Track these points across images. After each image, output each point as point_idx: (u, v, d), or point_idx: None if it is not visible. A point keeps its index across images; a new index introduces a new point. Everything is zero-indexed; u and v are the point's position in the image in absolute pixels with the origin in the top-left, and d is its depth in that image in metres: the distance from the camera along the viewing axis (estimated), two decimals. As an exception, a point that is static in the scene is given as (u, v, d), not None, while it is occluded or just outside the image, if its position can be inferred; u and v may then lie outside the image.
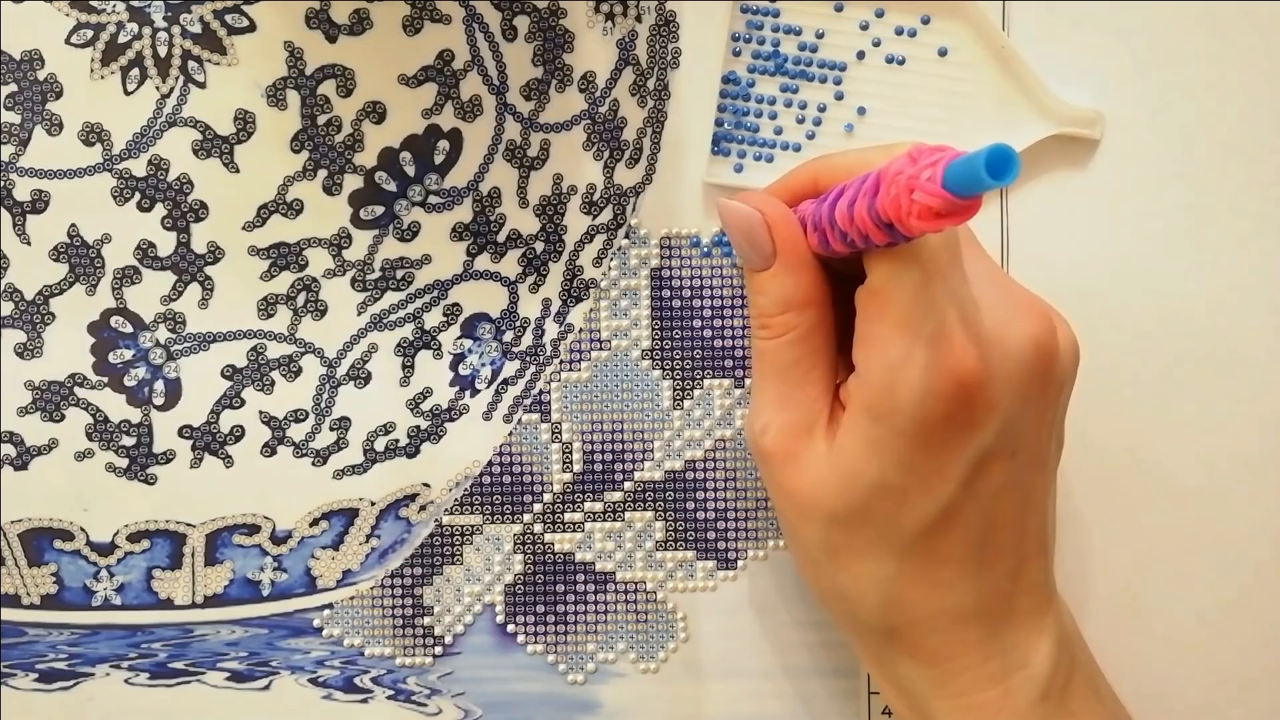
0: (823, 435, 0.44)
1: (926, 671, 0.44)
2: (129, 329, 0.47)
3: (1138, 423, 0.50)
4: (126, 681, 0.50)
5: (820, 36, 0.50)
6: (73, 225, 0.46)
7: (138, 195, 0.46)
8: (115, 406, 0.48)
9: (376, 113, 0.46)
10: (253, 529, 0.49)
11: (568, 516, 0.51)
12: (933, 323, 0.40)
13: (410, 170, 0.47)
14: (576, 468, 0.51)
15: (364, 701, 0.50)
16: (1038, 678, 0.44)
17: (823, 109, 0.50)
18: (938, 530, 0.43)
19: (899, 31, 0.49)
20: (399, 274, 0.48)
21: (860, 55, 0.50)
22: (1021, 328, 0.42)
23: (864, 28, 0.49)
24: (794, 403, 0.44)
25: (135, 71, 0.45)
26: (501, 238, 0.49)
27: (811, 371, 0.44)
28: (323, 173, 0.46)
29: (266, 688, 0.51)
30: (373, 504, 0.50)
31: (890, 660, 0.45)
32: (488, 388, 0.50)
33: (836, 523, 0.43)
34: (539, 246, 0.49)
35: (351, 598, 0.51)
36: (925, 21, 0.49)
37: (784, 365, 0.44)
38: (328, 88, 0.46)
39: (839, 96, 0.50)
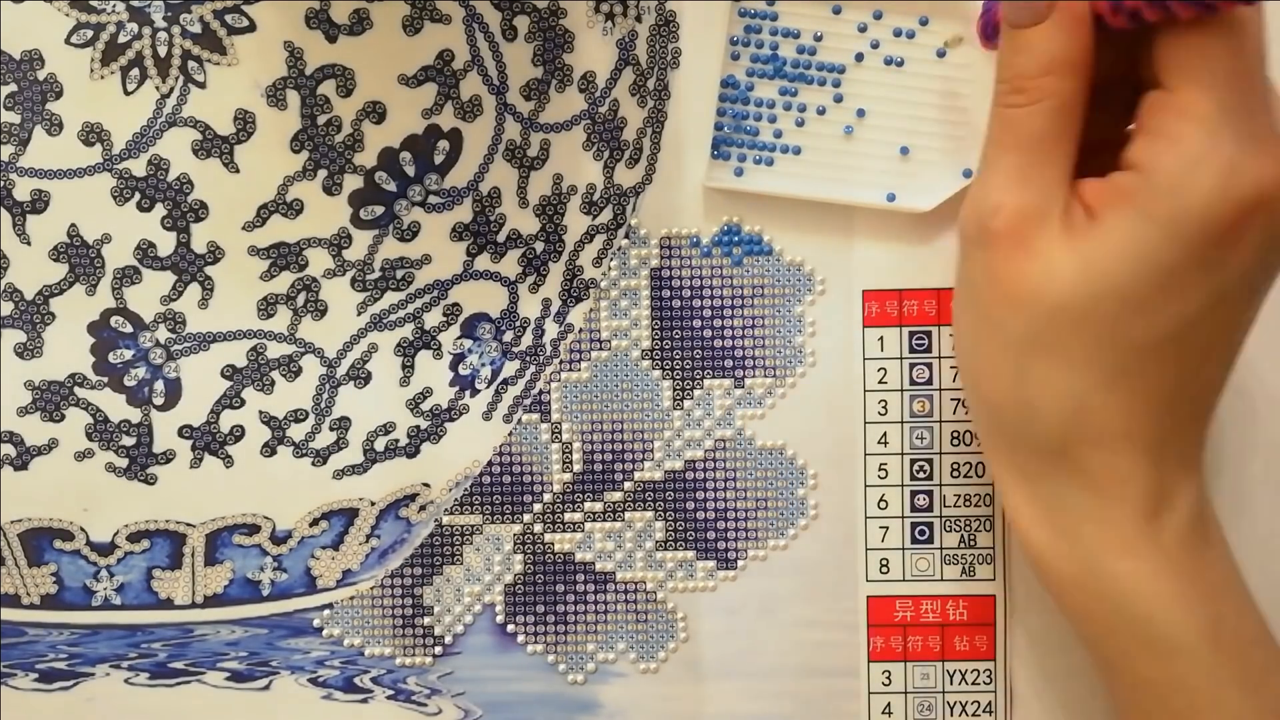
0: (1059, 225, 0.41)
1: (1086, 495, 0.42)
2: (129, 329, 0.47)
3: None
4: (126, 681, 0.50)
5: (819, 39, 0.50)
6: (73, 225, 0.46)
7: (138, 195, 0.46)
8: (115, 406, 0.48)
9: (376, 113, 0.46)
10: (253, 529, 0.49)
11: (568, 516, 0.51)
12: (1242, 120, 0.38)
13: (410, 170, 0.47)
14: (576, 468, 0.51)
15: (364, 701, 0.50)
16: (1183, 522, 0.43)
17: (822, 111, 0.50)
18: (1157, 352, 0.41)
19: (897, 33, 0.49)
20: (399, 274, 0.48)
21: (859, 57, 0.50)
22: None
23: (862, 30, 0.50)
24: (1036, 182, 0.41)
25: (135, 71, 0.45)
26: (501, 238, 0.49)
27: (1059, 148, 0.41)
28: (323, 173, 0.47)
29: (266, 688, 0.51)
30: (373, 504, 0.50)
31: (1048, 479, 0.43)
32: (488, 388, 0.50)
33: (1058, 319, 0.41)
34: (539, 246, 0.49)
35: (351, 598, 0.51)
36: (924, 23, 0.49)
37: (1034, 136, 0.41)
38: (328, 88, 0.46)
39: (838, 99, 0.50)
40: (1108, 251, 0.40)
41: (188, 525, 0.49)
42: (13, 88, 0.45)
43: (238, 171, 0.46)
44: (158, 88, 0.46)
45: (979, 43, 0.47)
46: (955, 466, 0.51)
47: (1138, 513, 0.42)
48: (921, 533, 0.51)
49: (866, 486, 0.51)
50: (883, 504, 0.51)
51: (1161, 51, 0.40)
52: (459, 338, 0.49)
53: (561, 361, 0.50)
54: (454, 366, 0.49)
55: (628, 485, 0.51)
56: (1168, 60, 0.40)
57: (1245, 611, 0.44)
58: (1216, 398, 0.44)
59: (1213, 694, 0.43)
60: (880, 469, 0.51)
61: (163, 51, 0.45)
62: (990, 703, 0.51)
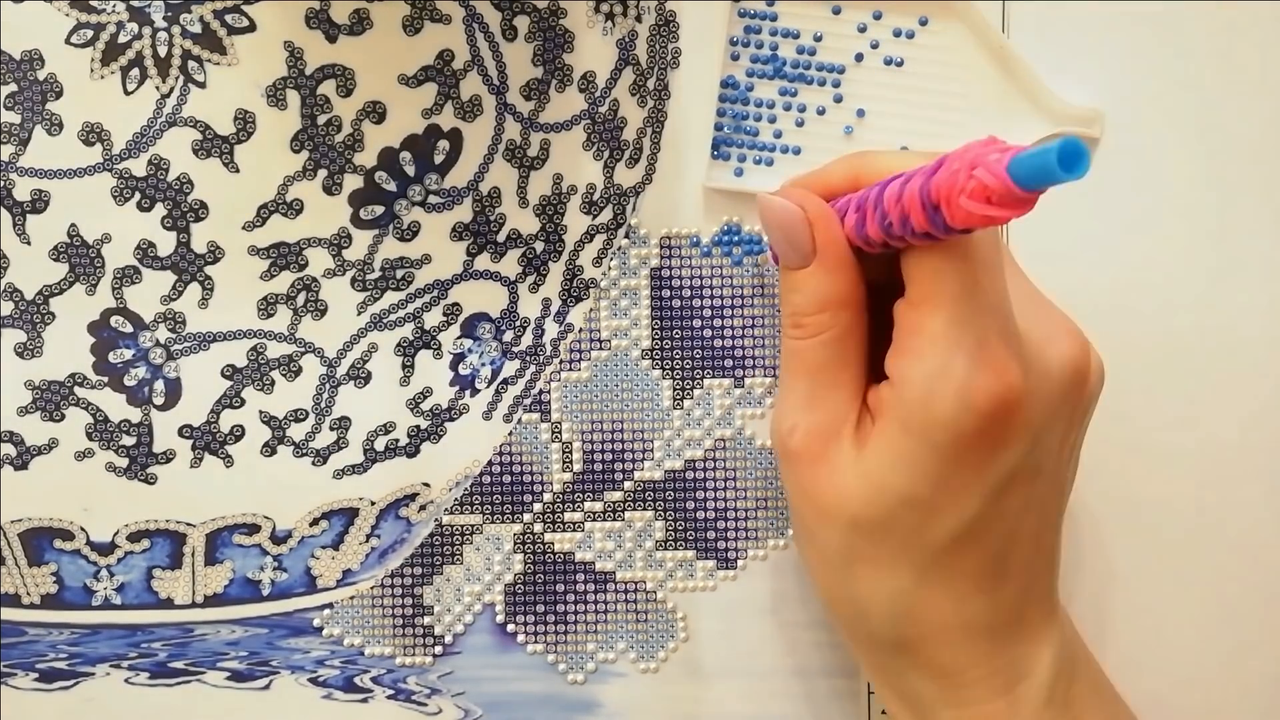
0: (850, 439, 0.43)
1: (934, 683, 0.44)
2: (129, 329, 0.47)
3: (1137, 420, 0.50)
4: (126, 681, 0.50)
5: (818, 39, 0.50)
6: (73, 225, 0.46)
7: (138, 195, 0.46)
8: (115, 406, 0.48)
9: (376, 113, 0.46)
10: (253, 529, 0.49)
11: (568, 516, 0.51)
12: (974, 335, 0.40)
13: (410, 170, 0.47)
14: (576, 467, 0.51)
15: (364, 701, 0.50)
16: (1042, 685, 0.44)
17: (822, 112, 0.50)
18: (959, 546, 0.42)
19: (897, 33, 0.50)
20: (399, 274, 0.48)
21: (859, 58, 0.50)
22: (1059, 349, 0.42)
23: (862, 30, 0.50)
24: (824, 404, 0.43)
25: (135, 71, 0.46)
26: (501, 238, 0.49)
27: (843, 373, 0.44)
28: (323, 173, 0.47)
29: (266, 687, 0.50)
30: (373, 504, 0.50)
31: (897, 671, 0.45)
32: (488, 387, 0.50)
33: (859, 530, 0.43)
34: (539, 246, 0.49)
35: (351, 597, 0.51)
36: (923, 23, 0.49)
37: (816, 366, 0.44)
38: (328, 88, 0.46)
39: (838, 99, 0.50)
40: (884, 463, 0.42)
41: (188, 525, 0.49)
42: (13, 88, 0.45)
43: (238, 171, 0.46)
44: (158, 88, 0.46)
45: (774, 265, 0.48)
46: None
47: (989, 692, 0.43)
48: (921, 533, 0.51)
49: (866, 486, 0.51)
50: (883, 504, 0.51)
51: (904, 266, 0.42)
52: (459, 337, 0.49)
53: (561, 361, 0.50)
54: (454, 366, 0.49)
55: (628, 485, 0.51)
56: (908, 275, 0.41)
57: None
58: (1049, 563, 0.45)
59: None
60: (880, 469, 0.51)
61: (163, 51, 0.45)
62: (990, 703, 0.51)
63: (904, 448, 0.41)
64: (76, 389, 0.47)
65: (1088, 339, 0.44)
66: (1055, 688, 0.44)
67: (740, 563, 0.51)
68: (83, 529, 0.49)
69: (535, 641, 0.51)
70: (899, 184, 0.40)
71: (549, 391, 0.51)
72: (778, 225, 0.44)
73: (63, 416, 0.48)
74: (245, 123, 0.46)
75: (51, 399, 0.47)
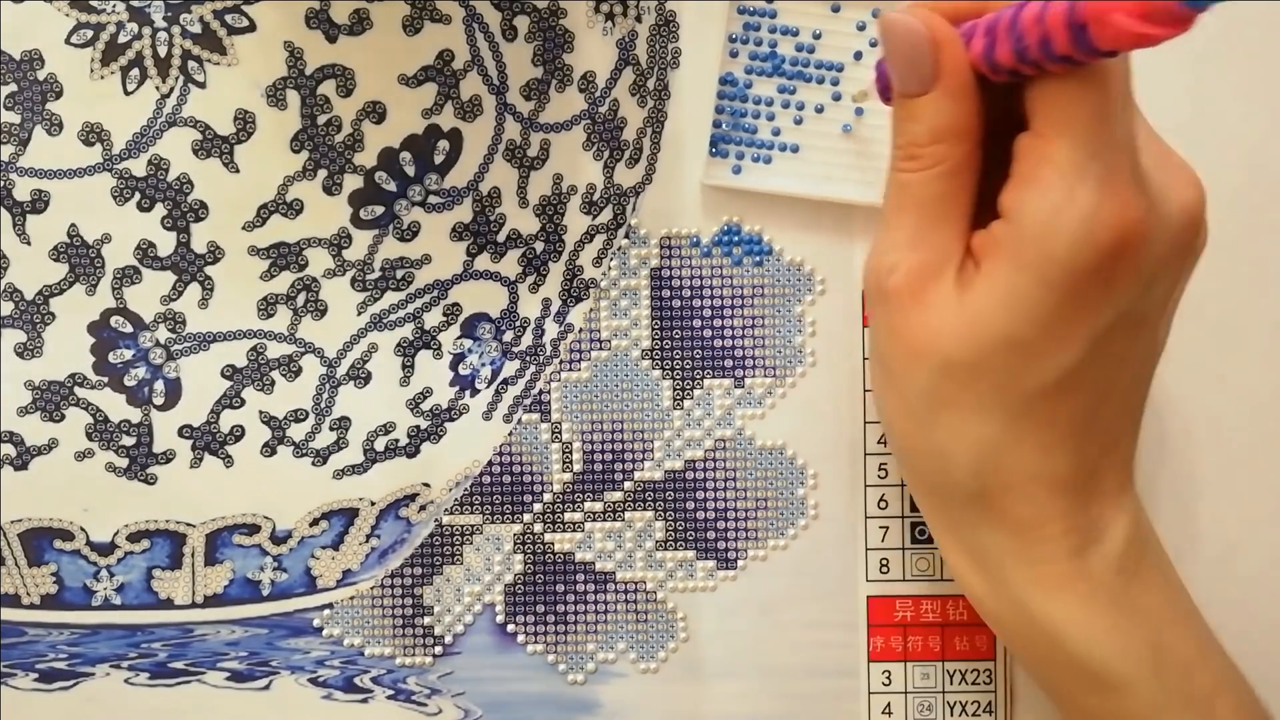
0: (953, 280, 0.42)
1: (1009, 538, 0.43)
2: (129, 329, 0.47)
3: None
4: (126, 681, 0.50)
5: (817, 37, 0.50)
6: (73, 225, 0.46)
7: (138, 195, 0.46)
8: (115, 406, 0.48)
9: (376, 113, 0.46)
10: (253, 529, 0.49)
11: (568, 516, 0.51)
12: (1103, 166, 0.39)
13: (410, 170, 0.47)
14: (576, 468, 0.51)
15: (364, 701, 0.50)
16: (1113, 553, 0.43)
17: (820, 109, 0.50)
18: (1055, 393, 0.41)
19: (897, 32, 0.49)
20: (399, 274, 0.48)
21: (858, 56, 0.50)
22: (1179, 194, 0.41)
23: (861, 28, 0.50)
24: (929, 242, 0.42)
25: (135, 71, 0.45)
26: (501, 238, 0.49)
27: (953, 210, 0.42)
28: (323, 173, 0.47)
29: (266, 688, 0.51)
30: (373, 504, 0.50)
31: (971, 524, 0.43)
32: (488, 388, 0.50)
33: (951, 373, 0.41)
34: (539, 246, 0.49)
35: (351, 598, 0.51)
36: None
37: (927, 200, 0.42)
38: (328, 88, 0.46)
39: (836, 97, 0.50)
40: (988, 301, 0.41)
41: (188, 525, 0.49)
42: (13, 88, 0.45)
43: (238, 171, 0.46)
44: (158, 88, 0.46)
45: (878, 99, 0.46)
46: (954, 466, 0.51)
47: (1062, 551, 0.43)
48: (921, 532, 0.51)
49: (866, 486, 0.51)
50: (883, 504, 0.51)
51: (1030, 97, 0.40)
52: (459, 338, 0.49)
53: (561, 361, 0.50)
54: (454, 366, 0.49)
55: (628, 485, 0.51)
56: (1035, 106, 0.40)
57: (1188, 634, 0.44)
58: (1134, 425, 0.44)
59: None
60: (880, 469, 0.51)
61: (163, 51, 0.45)
62: (990, 703, 0.51)
63: (1013, 285, 0.40)
64: (76, 389, 0.47)
65: (1204, 190, 0.42)
66: (1127, 556, 0.43)
67: (740, 563, 0.51)
68: (83, 529, 0.49)
69: (535, 641, 0.51)
70: (1040, 4, 0.38)
71: (549, 391, 0.51)
72: (900, 46, 0.42)
73: (63, 417, 0.48)
74: (245, 123, 0.46)
75: (51, 399, 0.47)
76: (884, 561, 0.51)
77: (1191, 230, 0.42)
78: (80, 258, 0.46)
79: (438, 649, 0.51)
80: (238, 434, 0.48)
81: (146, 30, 0.45)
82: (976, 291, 0.41)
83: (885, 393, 0.44)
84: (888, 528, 0.51)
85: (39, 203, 0.46)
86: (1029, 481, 0.42)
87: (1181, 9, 0.34)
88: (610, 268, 0.50)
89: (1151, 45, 0.35)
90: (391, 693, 0.51)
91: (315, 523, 0.50)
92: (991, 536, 0.43)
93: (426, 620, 0.51)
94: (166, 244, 0.47)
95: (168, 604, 0.50)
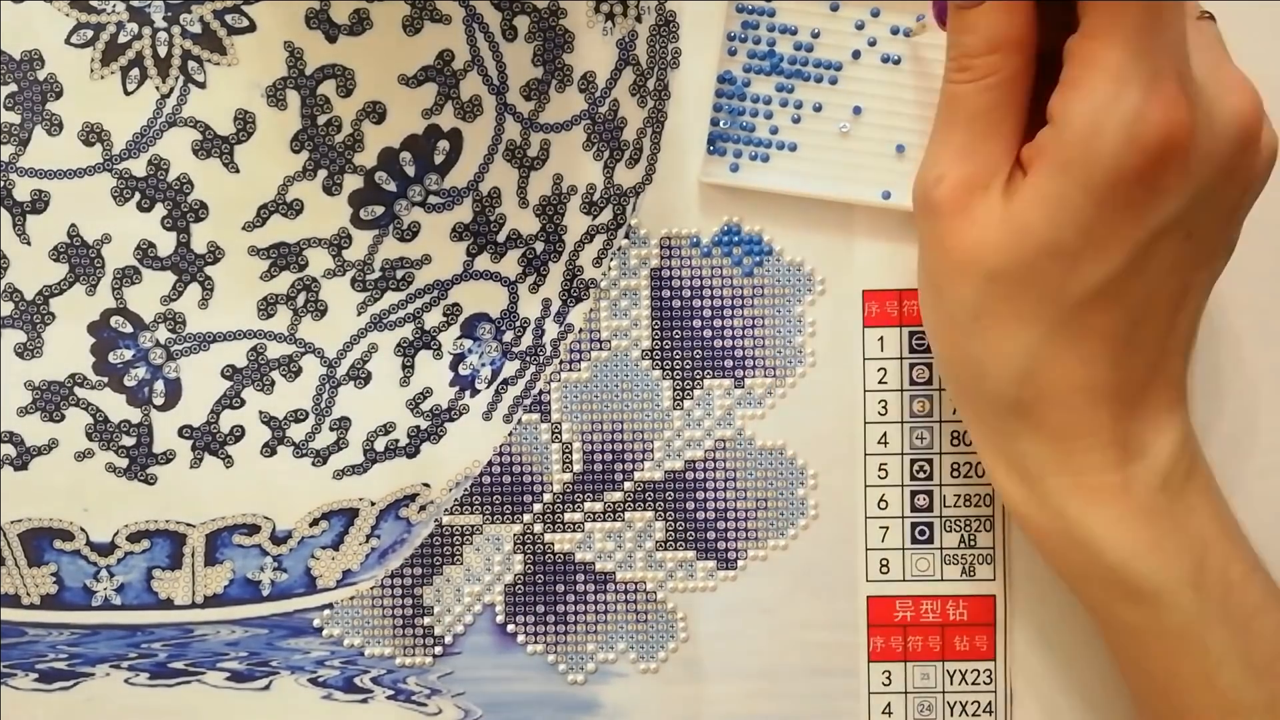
0: (999, 193, 0.42)
1: (1048, 448, 0.43)
2: (129, 329, 0.47)
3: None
4: (126, 681, 0.50)
5: (816, 36, 0.50)
6: (73, 225, 0.46)
7: (138, 195, 0.46)
8: (115, 406, 0.48)
9: (376, 113, 0.46)
10: (253, 529, 0.49)
11: (568, 516, 0.51)
12: (1150, 68, 0.39)
13: (410, 170, 0.47)
14: (576, 468, 0.51)
15: (364, 701, 0.50)
16: (1157, 469, 0.43)
17: (818, 108, 0.50)
18: (1096, 303, 0.41)
19: (895, 31, 0.50)
20: (399, 274, 0.48)
21: (856, 55, 0.50)
22: (1232, 103, 0.41)
23: (860, 27, 0.50)
24: (979, 154, 0.42)
25: (135, 71, 0.45)
26: (501, 238, 0.49)
27: (1004, 123, 0.42)
28: (323, 173, 0.47)
29: (266, 688, 0.51)
30: (373, 504, 0.50)
31: (1011, 433, 0.44)
32: (488, 388, 0.50)
33: (995, 283, 0.42)
34: (539, 246, 0.49)
35: (351, 598, 0.51)
36: (921, 20, 0.49)
37: (978, 111, 0.42)
38: (328, 88, 0.46)
39: (835, 96, 0.50)
40: (1030, 208, 0.41)
41: (188, 525, 0.49)
42: (13, 88, 0.45)
43: (238, 171, 0.46)
44: (158, 88, 0.46)
45: (936, 26, 0.47)
46: (955, 466, 0.51)
47: (1104, 463, 0.43)
48: (921, 533, 0.51)
49: (866, 486, 0.51)
50: (883, 504, 0.51)
51: (1082, 2, 0.41)
52: (459, 338, 0.49)
53: (561, 361, 0.50)
54: (454, 366, 0.49)
55: (628, 485, 0.51)
56: (1086, 8, 0.40)
57: (1232, 552, 0.44)
58: (1184, 343, 0.44)
59: (1197, 637, 0.43)
60: (880, 469, 0.51)
61: (163, 51, 0.45)
62: (990, 703, 0.51)
63: (1056, 190, 0.40)
64: (76, 389, 0.47)
65: (1262, 103, 0.42)
66: (1171, 473, 0.43)
67: (740, 563, 0.51)
68: (83, 529, 0.49)
69: (535, 642, 0.51)
70: None
71: (549, 392, 0.51)
72: None
73: (63, 417, 0.48)
74: (245, 123, 0.46)
75: (51, 399, 0.47)
76: (884, 561, 0.51)
77: (1245, 140, 0.41)
78: (80, 258, 0.46)
79: (438, 649, 0.51)
80: (238, 434, 0.48)
81: (146, 30, 0.45)
82: (1020, 200, 0.41)
83: (929, 305, 0.45)
84: (888, 528, 0.51)
85: (39, 203, 0.46)
86: (1070, 391, 0.42)
87: None
88: (610, 268, 0.50)
89: None
90: (391, 693, 0.51)
91: (315, 523, 0.50)
92: (1032, 446, 0.43)
93: (426, 620, 0.51)
94: (166, 244, 0.47)
95: (168, 604, 0.50)
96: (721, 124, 0.50)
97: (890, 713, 0.51)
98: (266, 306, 0.47)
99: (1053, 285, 0.41)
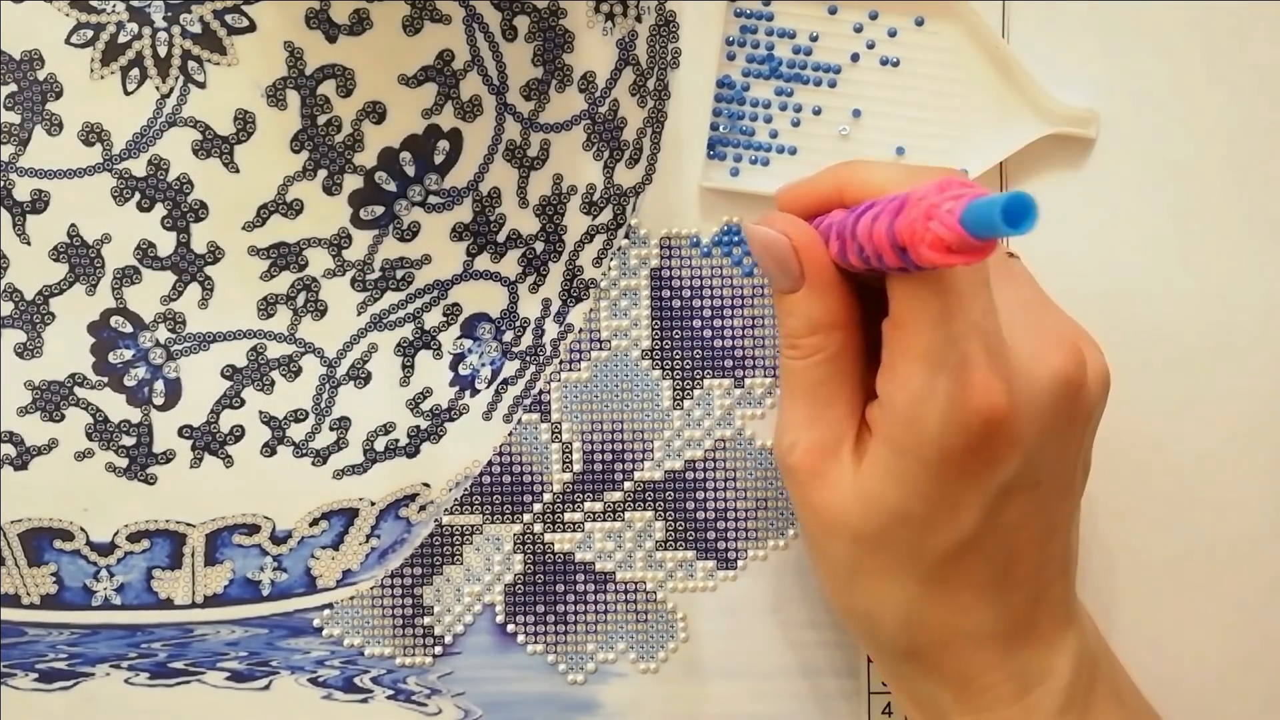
0: (850, 454, 0.43)
1: (948, 690, 0.44)
2: (129, 329, 0.47)
3: (1132, 417, 0.50)
4: (126, 681, 0.50)
5: (814, 39, 0.50)
6: (73, 225, 0.46)
7: (138, 195, 0.46)
8: (115, 406, 0.47)
9: (376, 113, 0.46)
10: (253, 529, 0.49)
11: (568, 516, 0.51)
12: (956, 356, 0.40)
13: (410, 170, 0.47)
14: (576, 468, 0.51)
15: (364, 701, 0.50)
16: (1057, 691, 0.44)
17: (818, 112, 0.50)
18: (958, 558, 0.43)
19: (893, 33, 0.50)
20: (399, 274, 0.48)
21: (855, 58, 0.50)
22: (1049, 361, 0.42)
23: (858, 30, 0.50)
24: (822, 422, 0.44)
25: (135, 71, 0.45)
26: (501, 238, 0.49)
27: (839, 392, 0.44)
28: (323, 173, 0.47)
29: (266, 688, 0.50)
30: (373, 504, 0.50)
31: (910, 678, 0.45)
32: (488, 388, 0.50)
33: (861, 543, 0.43)
34: (539, 246, 0.49)
35: (351, 598, 0.51)
36: (919, 23, 0.50)
37: (812, 385, 0.44)
38: (328, 88, 0.46)
39: (834, 99, 0.50)
40: (877, 479, 0.42)
41: (188, 525, 0.49)
42: (13, 88, 0.45)
43: (238, 171, 0.46)
44: (158, 88, 0.46)
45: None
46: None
47: (1002, 697, 0.44)
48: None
49: (866, 486, 0.51)
50: (882, 504, 0.51)
51: (889, 287, 0.42)
52: (459, 338, 0.49)
53: (561, 361, 0.50)
54: (454, 366, 0.49)
55: (628, 485, 0.51)
56: (892, 296, 0.42)
57: None
58: (1062, 569, 0.45)
59: None
60: (879, 468, 0.51)
61: (163, 51, 0.45)
62: (990, 702, 0.51)
63: (895, 465, 0.42)
64: (76, 389, 0.47)
65: (1087, 345, 0.44)
66: (1073, 692, 0.44)
67: (740, 563, 0.51)
68: (83, 529, 0.49)
69: (535, 642, 0.51)
70: (869, 219, 0.40)
71: (549, 392, 0.51)
72: (765, 253, 0.44)
73: (63, 417, 0.47)
74: (245, 123, 0.46)
75: (51, 399, 0.47)
76: (883, 561, 0.51)
77: (1068, 394, 0.42)
78: (80, 258, 0.46)
79: (438, 649, 0.51)
80: (238, 434, 0.48)
81: (146, 30, 0.45)
82: (866, 467, 0.43)
83: (812, 559, 0.46)
84: (887, 527, 0.51)
85: (39, 203, 0.46)
86: (955, 638, 0.43)
87: (977, 241, 0.34)
88: (610, 268, 0.50)
89: (968, 263, 0.36)
90: (391, 693, 0.50)
91: (315, 523, 0.50)
92: (932, 689, 0.44)
93: (426, 620, 0.51)
94: (166, 244, 0.47)
95: (168, 604, 0.50)
96: (721, 128, 0.50)
97: (890, 713, 0.51)
98: (266, 306, 0.47)
99: (912, 546, 0.43)
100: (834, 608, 0.46)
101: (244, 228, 0.47)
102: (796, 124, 0.50)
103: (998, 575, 0.43)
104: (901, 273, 0.40)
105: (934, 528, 0.42)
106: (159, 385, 0.48)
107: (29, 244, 0.46)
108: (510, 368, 0.50)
